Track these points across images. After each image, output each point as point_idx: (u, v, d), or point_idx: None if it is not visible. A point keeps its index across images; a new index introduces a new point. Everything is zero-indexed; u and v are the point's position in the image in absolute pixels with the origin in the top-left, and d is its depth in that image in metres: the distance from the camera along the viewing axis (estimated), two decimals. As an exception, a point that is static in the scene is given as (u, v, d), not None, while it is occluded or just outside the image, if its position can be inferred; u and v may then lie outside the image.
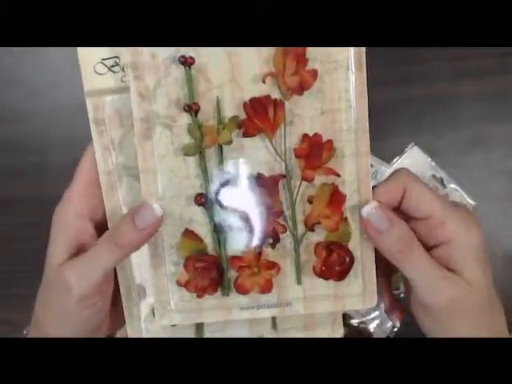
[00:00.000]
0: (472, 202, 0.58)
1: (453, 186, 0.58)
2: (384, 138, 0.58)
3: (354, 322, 0.55)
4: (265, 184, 0.34)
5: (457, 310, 0.32)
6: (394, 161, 0.58)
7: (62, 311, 0.33)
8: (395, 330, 0.55)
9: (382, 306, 0.57)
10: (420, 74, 0.58)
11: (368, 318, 0.57)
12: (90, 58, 0.34)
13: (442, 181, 0.58)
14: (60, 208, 0.35)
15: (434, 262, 0.33)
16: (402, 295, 0.58)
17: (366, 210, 0.33)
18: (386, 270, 0.37)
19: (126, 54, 0.33)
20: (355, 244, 0.35)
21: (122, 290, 0.36)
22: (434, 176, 0.58)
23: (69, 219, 0.34)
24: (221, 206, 0.34)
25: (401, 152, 0.58)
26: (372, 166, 0.58)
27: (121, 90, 0.34)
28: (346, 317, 0.55)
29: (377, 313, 0.57)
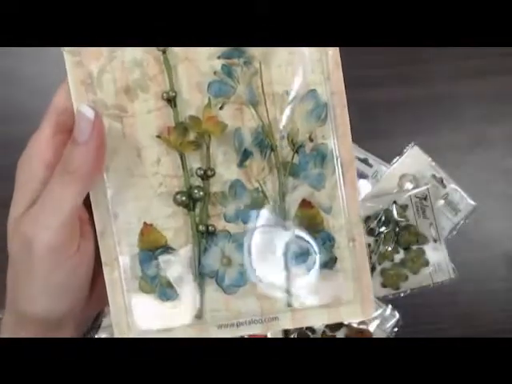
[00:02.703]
0: (472, 202, 0.58)
1: (453, 186, 0.58)
2: (384, 138, 0.58)
3: (354, 322, 0.55)
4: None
5: None
6: (394, 161, 0.59)
7: (29, 276, 0.28)
8: (395, 330, 0.55)
9: (383, 305, 0.58)
10: (420, 74, 0.58)
11: (368, 317, 0.57)
12: None
13: (441, 181, 0.58)
14: (25, 155, 0.31)
15: None
16: (401, 295, 0.58)
17: None
18: None
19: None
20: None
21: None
22: (434, 176, 0.58)
23: (34, 168, 0.30)
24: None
25: (401, 152, 0.58)
26: (372, 166, 0.58)
27: None
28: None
29: (377, 313, 0.57)
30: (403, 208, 0.58)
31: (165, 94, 0.31)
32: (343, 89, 0.32)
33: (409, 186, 0.59)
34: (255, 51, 0.31)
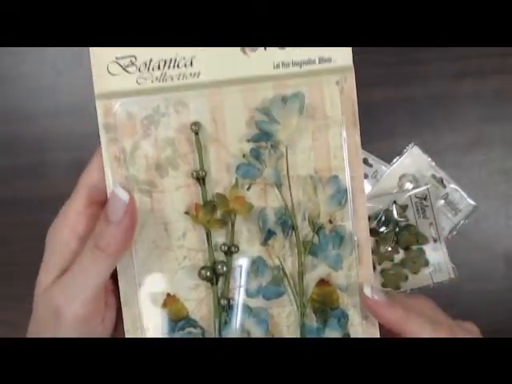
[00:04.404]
0: (472, 202, 0.58)
1: (453, 186, 0.58)
2: (384, 138, 0.58)
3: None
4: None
5: None
6: (394, 161, 0.58)
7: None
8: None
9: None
10: (420, 74, 0.58)
11: (368, 318, 0.57)
12: (103, 56, 0.32)
13: (441, 181, 0.58)
14: (55, 225, 0.32)
15: None
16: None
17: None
18: None
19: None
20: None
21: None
22: (434, 176, 0.58)
23: (65, 239, 0.31)
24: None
25: (401, 152, 0.58)
26: (372, 165, 0.58)
27: (136, 92, 0.32)
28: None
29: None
30: (403, 208, 0.58)
31: (194, 173, 0.32)
32: (362, 174, 0.33)
33: (409, 185, 0.59)
34: (282, 135, 0.32)
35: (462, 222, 0.58)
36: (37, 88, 0.57)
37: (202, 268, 0.33)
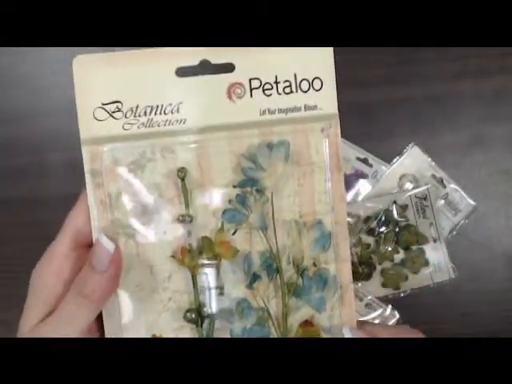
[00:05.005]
0: (472, 202, 0.58)
1: (453, 186, 0.58)
2: (384, 138, 0.58)
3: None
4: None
5: None
6: (394, 161, 0.59)
7: None
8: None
9: (383, 305, 0.57)
10: (420, 74, 0.58)
11: (368, 317, 0.57)
12: (89, 101, 0.32)
13: (441, 181, 0.58)
14: (39, 267, 0.31)
15: None
16: (401, 295, 0.58)
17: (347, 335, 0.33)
18: None
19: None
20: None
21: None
22: (433, 176, 0.58)
23: (50, 283, 0.31)
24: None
25: (401, 152, 0.58)
26: (372, 166, 0.58)
27: (122, 138, 0.32)
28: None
29: (377, 313, 0.57)
30: (403, 208, 0.58)
31: (180, 217, 0.33)
32: (346, 218, 0.34)
33: (409, 186, 0.59)
34: (267, 182, 0.33)
35: (462, 221, 0.58)
36: (37, 88, 0.57)
37: (188, 311, 0.33)
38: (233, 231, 0.33)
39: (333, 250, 0.34)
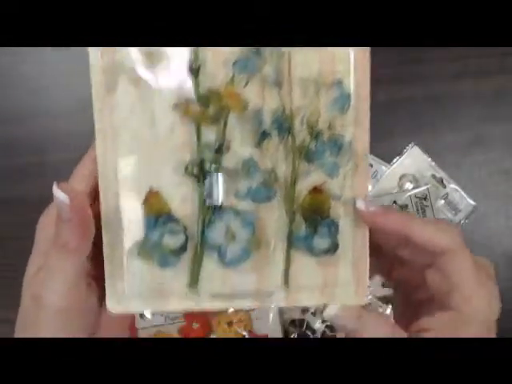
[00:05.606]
0: (472, 202, 0.58)
1: (453, 186, 0.58)
2: (384, 138, 0.58)
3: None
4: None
5: None
6: (394, 161, 0.59)
7: (38, 333, 0.30)
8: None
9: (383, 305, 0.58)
10: (420, 74, 0.58)
11: (368, 317, 0.57)
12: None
13: (441, 181, 0.58)
14: (43, 216, 0.32)
15: None
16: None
17: (329, 314, 0.31)
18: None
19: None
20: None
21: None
22: (433, 176, 0.58)
23: (49, 231, 0.31)
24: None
25: (401, 152, 0.58)
26: (372, 165, 0.58)
27: None
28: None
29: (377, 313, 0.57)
30: (403, 208, 0.58)
31: (188, 63, 0.31)
32: (368, 81, 0.32)
33: (409, 186, 0.59)
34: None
35: (462, 221, 0.58)
36: (37, 88, 0.57)
37: (189, 163, 0.31)
38: (244, 83, 0.31)
39: (351, 113, 0.32)
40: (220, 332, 0.53)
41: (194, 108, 0.31)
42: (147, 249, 0.31)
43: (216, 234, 0.32)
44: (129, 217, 0.31)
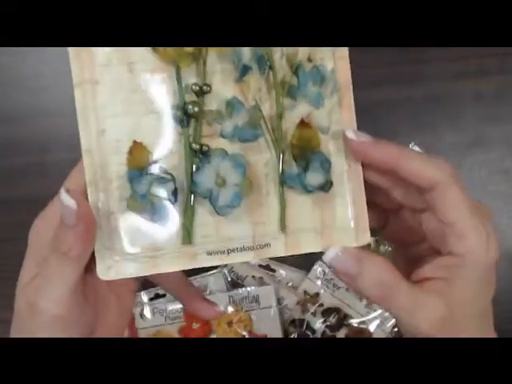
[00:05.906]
0: (472, 202, 0.58)
1: (453, 186, 0.58)
2: (384, 138, 0.58)
3: (354, 322, 0.55)
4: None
5: (448, 331, 0.30)
6: (394, 161, 0.59)
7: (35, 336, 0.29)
8: (395, 329, 0.55)
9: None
10: (420, 74, 0.58)
11: (368, 317, 0.56)
12: None
13: (442, 181, 0.58)
14: (36, 222, 0.32)
15: (418, 298, 0.30)
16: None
17: (329, 257, 0.30)
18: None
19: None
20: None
21: None
22: (434, 176, 0.58)
23: (42, 237, 0.30)
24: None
25: (401, 152, 0.58)
26: (372, 165, 0.58)
27: None
28: (346, 317, 0.55)
29: (377, 313, 0.57)
30: (403, 208, 0.58)
31: None
32: None
33: (409, 185, 0.59)
34: None
35: (462, 221, 0.58)
36: (37, 88, 0.57)
37: (172, 107, 0.30)
38: None
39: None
40: (220, 332, 0.53)
41: (172, 48, 0.30)
42: (136, 200, 0.30)
43: (205, 178, 0.30)
44: (116, 173, 0.30)
